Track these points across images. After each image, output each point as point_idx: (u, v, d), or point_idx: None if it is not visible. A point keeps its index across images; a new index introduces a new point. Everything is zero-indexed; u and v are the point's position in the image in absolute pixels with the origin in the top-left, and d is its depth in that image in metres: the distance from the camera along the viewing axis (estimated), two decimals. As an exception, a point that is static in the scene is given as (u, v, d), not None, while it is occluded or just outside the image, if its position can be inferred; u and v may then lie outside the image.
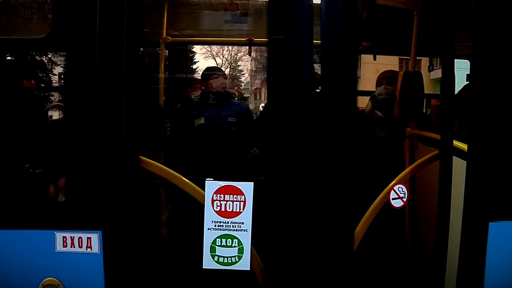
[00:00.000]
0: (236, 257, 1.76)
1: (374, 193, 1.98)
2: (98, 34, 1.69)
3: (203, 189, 1.74)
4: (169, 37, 3.35)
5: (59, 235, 1.76)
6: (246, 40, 3.48)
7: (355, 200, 1.82)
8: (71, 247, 1.76)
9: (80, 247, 1.76)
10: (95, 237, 1.75)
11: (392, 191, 1.94)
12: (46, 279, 1.78)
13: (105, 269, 1.76)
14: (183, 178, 1.80)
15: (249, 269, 1.77)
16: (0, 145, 1.99)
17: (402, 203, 1.95)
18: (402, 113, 2.90)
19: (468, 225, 1.89)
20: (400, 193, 1.95)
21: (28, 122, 2.19)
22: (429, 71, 3.79)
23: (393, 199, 1.94)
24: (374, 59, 3.60)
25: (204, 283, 1.96)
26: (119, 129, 1.71)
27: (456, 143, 2.05)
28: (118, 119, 1.70)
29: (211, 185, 1.72)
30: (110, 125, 1.71)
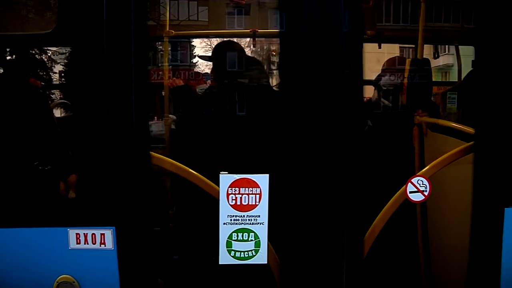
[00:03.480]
0: (253, 251, 1.74)
1: (385, 190, 1.93)
2: (106, 28, 1.66)
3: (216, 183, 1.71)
4: (173, 31, 3.29)
5: (72, 232, 1.74)
6: (250, 31, 3.42)
7: (364, 201, 1.79)
8: (85, 243, 1.74)
9: (94, 243, 1.74)
10: (108, 233, 1.73)
11: (410, 184, 1.82)
12: (61, 276, 1.76)
13: (119, 265, 1.74)
14: (196, 173, 1.77)
15: (266, 262, 1.75)
16: (10, 143, 1.96)
17: (423, 197, 1.83)
18: (410, 101, 2.87)
19: (481, 211, 1.85)
20: (420, 186, 1.82)
21: (36, 120, 2.16)
22: (435, 58, 3.76)
23: (411, 192, 1.82)
24: (379, 47, 3.55)
25: (218, 279, 1.94)
26: (129, 125, 1.68)
27: (462, 127, 2.02)
28: (128, 115, 1.67)
29: (226, 179, 1.69)
30: (120, 122, 1.68)
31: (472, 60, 3.35)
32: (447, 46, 4.17)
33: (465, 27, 3.42)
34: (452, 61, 5.14)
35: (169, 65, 2.98)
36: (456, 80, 3.61)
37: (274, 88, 2.70)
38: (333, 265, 1.77)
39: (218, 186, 1.70)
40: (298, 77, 1.71)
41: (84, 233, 1.73)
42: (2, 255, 1.77)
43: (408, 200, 1.85)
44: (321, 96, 1.71)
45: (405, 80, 2.89)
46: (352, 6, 1.77)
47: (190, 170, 1.77)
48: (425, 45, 3.94)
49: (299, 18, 1.71)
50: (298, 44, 1.70)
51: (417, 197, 1.86)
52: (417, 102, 2.83)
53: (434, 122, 2.62)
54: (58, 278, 1.76)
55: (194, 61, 4.00)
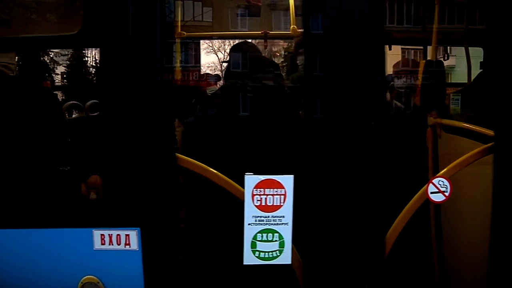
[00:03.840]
0: (278, 251, 1.74)
1: (401, 191, 1.93)
2: (132, 29, 1.66)
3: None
4: (184, 32, 3.30)
5: (96, 233, 1.75)
6: (262, 33, 3.44)
7: (385, 199, 1.80)
8: (109, 244, 1.74)
9: (119, 244, 1.74)
10: (133, 234, 1.74)
11: (431, 184, 1.84)
12: (85, 277, 1.77)
13: (144, 265, 1.74)
14: (221, 175, 1.77)
15: (290, 263, 1.75)
16: (33, 146, 1.97)
17: (444, 198, 1.85)
18: (424, 102, 2.88)
19: (503, 211, 1.86)
20: (441, 186, 1.85)
21: (52, 122, 2.16)
22: (444, 59, 3.77)
23: (432, 193, 1.85)
24: (390, 49, 3.55)
25: (242, 281, 1.94)
26: (155, 126, 1.69)
27: (481, 129, 2.03)
28: (154, 116, 1.68)
29: (251, 180, 1.70)
30: (146, 123, 1.68)
31: (481, 62, 3.39)
32: (448, 47, 4.18)
33: (470, 28, 3.45)
34: (454, 63, 5.15)
35: (184, 66, 2.98)
36: (464, 82, 3.61)
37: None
38: (356, 265, 1.77)
39: (243, 187, 1.70)
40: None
41: (109, 234, 1.74)
42: (28, 255, 1.77)
43: (428, 200, 1.87)
44: (347, 97, 1.72)
45: (419, 82, 2.90)
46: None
47: (215, 171, 1.77)
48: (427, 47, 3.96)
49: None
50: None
51: (438, 198, 1.87)
52: (431, 104, 2.84)
53: (450, 124, 2.63)
54: (82, 279, 1.77)
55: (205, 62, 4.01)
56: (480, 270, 1.98)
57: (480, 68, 3.22)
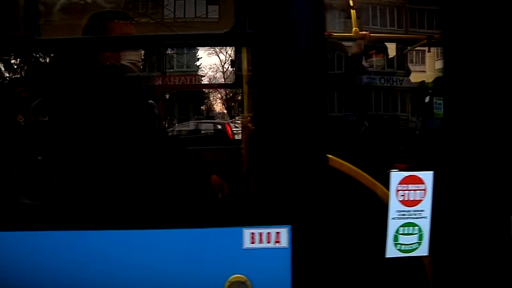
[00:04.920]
0: (417, 244, 1.85)
1: None
2: (285, 29, 1.72)
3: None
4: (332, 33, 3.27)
5: (247, 232, 1.78)
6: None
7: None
8: (259, 242, 1.78)
9: (268, 242, 1.79)
10: (284, 232, 1.79)
11: None
12: (233, 276, 1.79)
13: (292, 262, 1.79)
14: (368, 176, 1.86)
15: (427, 254, 1.86)
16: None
17: None
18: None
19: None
20: None
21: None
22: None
23: None
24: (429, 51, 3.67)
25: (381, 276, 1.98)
26: (309, 128, 1.76)
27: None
28: (309, 118, 1.75)
29: (396, 176, 1.80)
30: (301, 124, 1.75)
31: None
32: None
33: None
34: None
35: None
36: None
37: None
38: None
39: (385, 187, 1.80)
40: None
41: (259, 232, 1.77)
42: (174, 255, 1.78)
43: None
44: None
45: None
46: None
47: (364, 173, 1.85)
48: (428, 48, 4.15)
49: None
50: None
51: None
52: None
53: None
54: (230, 278, 1.79)
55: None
56: None
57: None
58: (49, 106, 1.98)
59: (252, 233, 1.78)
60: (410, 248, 1.85)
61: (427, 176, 1.82)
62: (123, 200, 1.80)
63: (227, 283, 1.79)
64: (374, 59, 3.41)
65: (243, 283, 1.79)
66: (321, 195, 1.80)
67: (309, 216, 1.79)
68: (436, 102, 2.92)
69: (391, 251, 1.84)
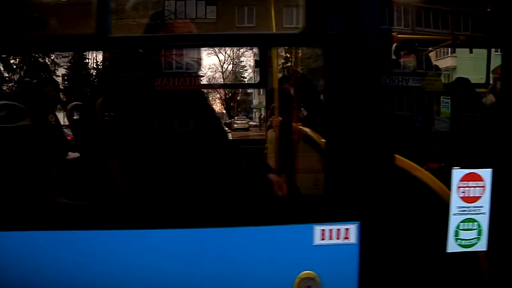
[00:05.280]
0: (476, 239, 1.92)
1: None
2: (357, 31, 1.77)
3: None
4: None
5: (317, 229, 1.82)
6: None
7: None
8: (329, 239, 1.82)
9: (338, 238, 1.83)
10: (353, 228, 1.83)
11: None
12: (303, 272, 1.82)
13: (360, 258, 1.84)
14: (431, 175, 1.92)
15: (486, 249, 1.94)
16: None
17: None
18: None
19: None
20: None
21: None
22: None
23: None
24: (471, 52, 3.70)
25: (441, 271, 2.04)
26: (377, 128, 1.81)
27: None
28: (378, 119, 1.81)
29: (458, 173, 1.87)
30: (370, 125, 1.80)
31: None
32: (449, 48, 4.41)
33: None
34: (454, 63, 5.51)
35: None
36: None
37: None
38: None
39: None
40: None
41: (329, 229, 1.82)
42: (246, 252, 1.80)
43: None
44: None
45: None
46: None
47: (427, 172, 1.92)
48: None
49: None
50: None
51: None
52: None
53: None
54: (300, 274, 1.82)
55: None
56: None
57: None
58: (117, 104, 1.97)
59: (323, 230, 1.82)
60: (470, 243, 1.92)
61: (486, 174, 1.90)
62: (198, 199, 1.82)
63: (297, 279, 1.82)
64: (405, 59, 3.47)
65: (312, 279, 1.82)
66: (387, 192, 1.85)
67: (376, 212, 1.84)
68: (443, 101, 3.04)
69: (452, 246, 1.90)
